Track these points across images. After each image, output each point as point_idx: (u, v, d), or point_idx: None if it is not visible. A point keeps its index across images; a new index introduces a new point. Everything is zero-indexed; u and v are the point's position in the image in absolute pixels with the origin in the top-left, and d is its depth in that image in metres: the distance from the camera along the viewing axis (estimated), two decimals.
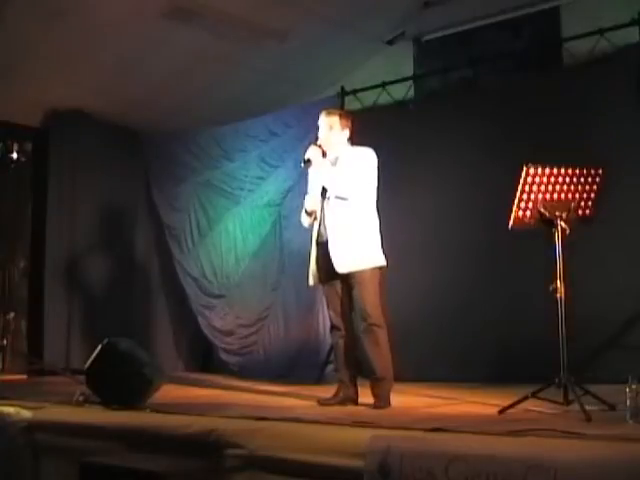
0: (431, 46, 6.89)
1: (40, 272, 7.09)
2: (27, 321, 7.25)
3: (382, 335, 4.32)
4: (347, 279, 4.40)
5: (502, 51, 6.47)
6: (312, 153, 4.44)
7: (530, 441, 2.86)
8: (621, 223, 5.19)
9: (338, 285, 4.45)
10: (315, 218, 4.52)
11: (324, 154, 4.47)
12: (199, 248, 7.39)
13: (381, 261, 4.42)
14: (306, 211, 4.55)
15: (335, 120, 4.51)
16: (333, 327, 4.53)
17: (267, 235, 7.04)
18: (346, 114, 4.70)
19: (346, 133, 4.52)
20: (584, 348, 4.88)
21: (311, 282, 4.55)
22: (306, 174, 4.70)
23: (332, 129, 4.49)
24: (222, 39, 6.48)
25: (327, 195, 4.43)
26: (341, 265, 4.34)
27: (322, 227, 4.46)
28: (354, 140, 4.56)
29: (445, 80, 6.74)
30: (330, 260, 4.36)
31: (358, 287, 4.33)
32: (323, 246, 4.42)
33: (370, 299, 4.33)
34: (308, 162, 4.45)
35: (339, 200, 4.38)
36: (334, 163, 4.48)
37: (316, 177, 4.51)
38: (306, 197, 4.59)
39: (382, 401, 4.25)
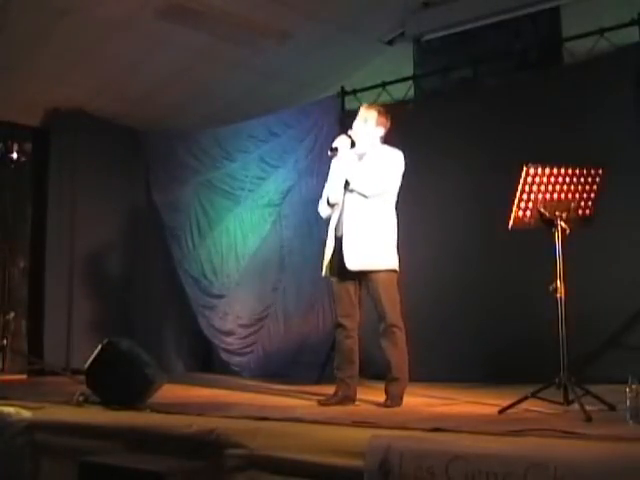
0: (431, 46, 6.89)
1: (40, 272, 7.10)
2: (27, 321, 7.26)
3: (400, 336, 4.31)
4: (362, 279, 4.38)
5: (502, 51, 6.48)
6: (340, 142, 4.39)
7: (530, 441, 2.85)
8: (621, 223, 5.19)
9: (350, 284, 4.42)
10: (335, 210, 4.47)
11: (353, 145, 4.41)
12: (199, 248, 7.40)
13: (393, 264, 4.37)
14: (328, 202, 4.49)
15: (372, 115, 4.47)
16: (338, 325, 4.50)
17: (267, 235, 7.04)
18: (385, 112, 4.56)
19: (380, 130, 4.48)
20: (584, 348, 4.88)
21: (324, 273, 4.51)
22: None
23: (367, 122, 4.45)
24: (222, 39, 6.49)
25: (349, 188, 4.39)
26: (351, 262, 4.30)
27: (340, 221, 4.42)
28: (387, 139, 4.52)
29: (445, 80, 6.74)
30: (343, 255, 4.33)
31: (376, 288, 4.31)
32: (338, 240, 4.40)
33: (390, 300, 4.30)
34: (335, 150, 4.39)
35: (359, 196, 4.35)
36: (361, 158, 4.43)
37: (339, 168, 4.44)
38: (326, 185, 4.54)
39: (394, 400, 4.25)
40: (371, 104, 4.76)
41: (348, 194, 4.40)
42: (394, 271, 4.38)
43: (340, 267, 4.37)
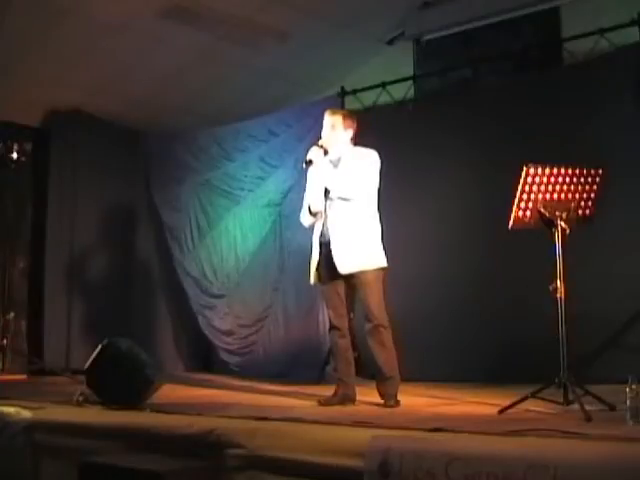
0: (431, 46, 6.89)
1: (40, 272, 7.10)
2: (27, 321, 7.25)
3: (387, 335, 4.36)
4: (350, 280, 4.43)
5: (502, 51, 6.47)
6: (314, 154, 4.44)
7: (530, 441, 2.85)
8: (621, 223, 5.18)
9: (339, 285, 4.47)
10: (318, 218, 4.52)
11: (326, 153, 4.47)
12: (199, 248, 7.40)
13: (383, 262, 4.43)
14: (310, 211, 4.54)
15: (338, 119, 4.52)
16: (332, 327, 4.54)
17: (267, 235, 7.04)
18: (350, 114, 4.68)
19: (349, 133, 4.52)
20: (584, 348, 4.88)
21: (312, 281, 4.55)
22: (306, 174, 4.69)
23: (334, 128, 4.49)
24: (222, 39, 6.49)
25: (330, 196, 4.44)
26: (343, 266, 4.35)
27: (325, 227, 4.46)
28: (357, 140, 4.56)
29: (445, 80, 6.74)
30: (332, 260, 4.37)
31: (362, 288, 4.37)
32: (325, 246, 4.43)
33: (375, 300, 4.36)
34: (310, 163, 4.45)
35: (341, 201, 4.39)
36: (336, 164, 4.49)
37: (316, 176, 4.50)
38: (305, 195, 4.59)
39: (391, 400, 4.28)
40: (334, 109, 4.82)
41: (329, 201, 4.44)
42: (382, 268, 4.43)
43: (328, 272, 4.42)
